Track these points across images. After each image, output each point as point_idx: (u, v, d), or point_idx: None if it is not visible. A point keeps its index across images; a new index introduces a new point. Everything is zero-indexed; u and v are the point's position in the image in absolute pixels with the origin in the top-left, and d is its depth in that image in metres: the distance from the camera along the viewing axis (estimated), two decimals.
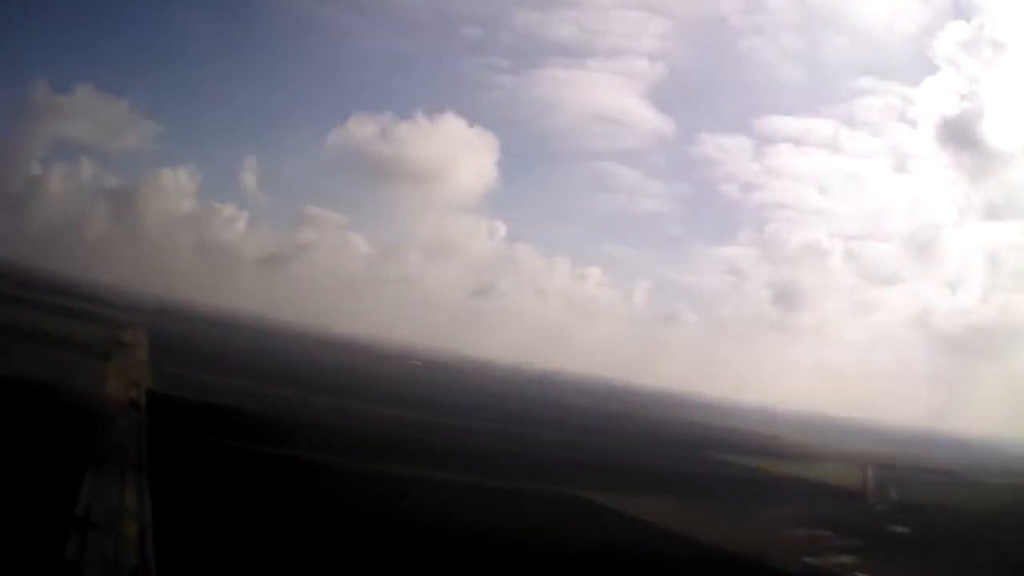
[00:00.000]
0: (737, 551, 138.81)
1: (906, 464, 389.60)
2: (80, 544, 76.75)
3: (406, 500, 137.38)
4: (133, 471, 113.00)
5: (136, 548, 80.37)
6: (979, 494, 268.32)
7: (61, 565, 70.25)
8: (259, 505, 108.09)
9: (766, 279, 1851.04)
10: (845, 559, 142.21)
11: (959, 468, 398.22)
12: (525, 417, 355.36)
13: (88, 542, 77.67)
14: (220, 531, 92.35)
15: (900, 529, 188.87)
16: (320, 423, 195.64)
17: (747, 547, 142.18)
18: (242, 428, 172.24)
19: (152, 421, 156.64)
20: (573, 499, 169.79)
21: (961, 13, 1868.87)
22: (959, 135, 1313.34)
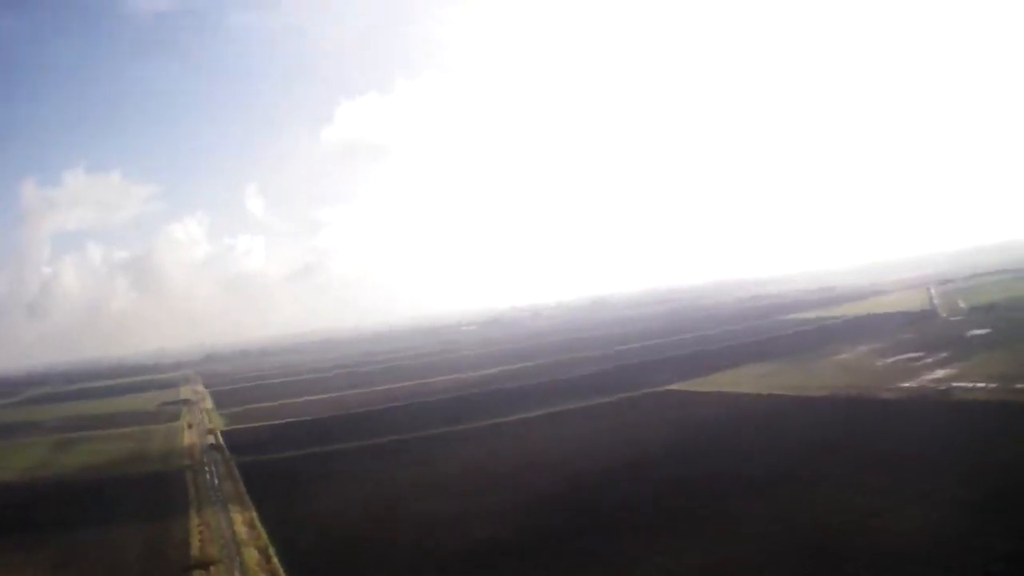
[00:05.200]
0: (837, 394, 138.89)
1: (964, 274, 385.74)
2: None
3: (518, 440, 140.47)
4: (235, 503, 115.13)
5: (265, 571, 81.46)
6: None
7: None
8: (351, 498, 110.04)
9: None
10: (940, 373, 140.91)
11: (1019, 265, 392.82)
12: (599, 340, 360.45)
13: None
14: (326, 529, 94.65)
15: (980, 332, 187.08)
16: (395, 411, 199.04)
17: (846, 388, 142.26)
18: (309, 437, 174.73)
19: (235, 455, 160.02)
20: (668, 393, 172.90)
21: None
22: None
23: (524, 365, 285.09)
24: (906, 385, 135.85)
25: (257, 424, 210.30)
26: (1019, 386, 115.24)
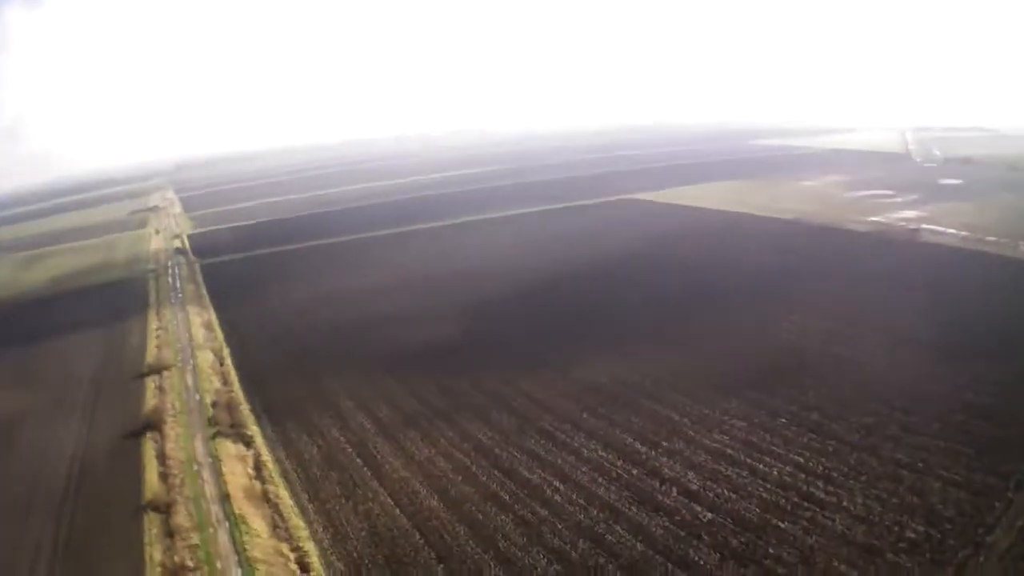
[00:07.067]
0: (803, 219, 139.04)
1: (943, 125, 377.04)
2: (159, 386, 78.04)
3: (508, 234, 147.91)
4: (194, 305, 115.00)
5: (217, 374, 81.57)
6: None
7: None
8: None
9: None
10: (909, 213, 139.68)
11: (999, 126, 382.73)
12: (563, 150, 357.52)
13: (165, 384, 78.70)
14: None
15: (953, 181, 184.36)
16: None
17: (813, 214, 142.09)
18: (274, 237, 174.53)
19: (199, 257, 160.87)
20: (635, 202, 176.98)
21: None
22: None
23: (483, 170, 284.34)
24: (874, 219, 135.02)
25: (224, 226, 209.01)
26: (990, 238, 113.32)
